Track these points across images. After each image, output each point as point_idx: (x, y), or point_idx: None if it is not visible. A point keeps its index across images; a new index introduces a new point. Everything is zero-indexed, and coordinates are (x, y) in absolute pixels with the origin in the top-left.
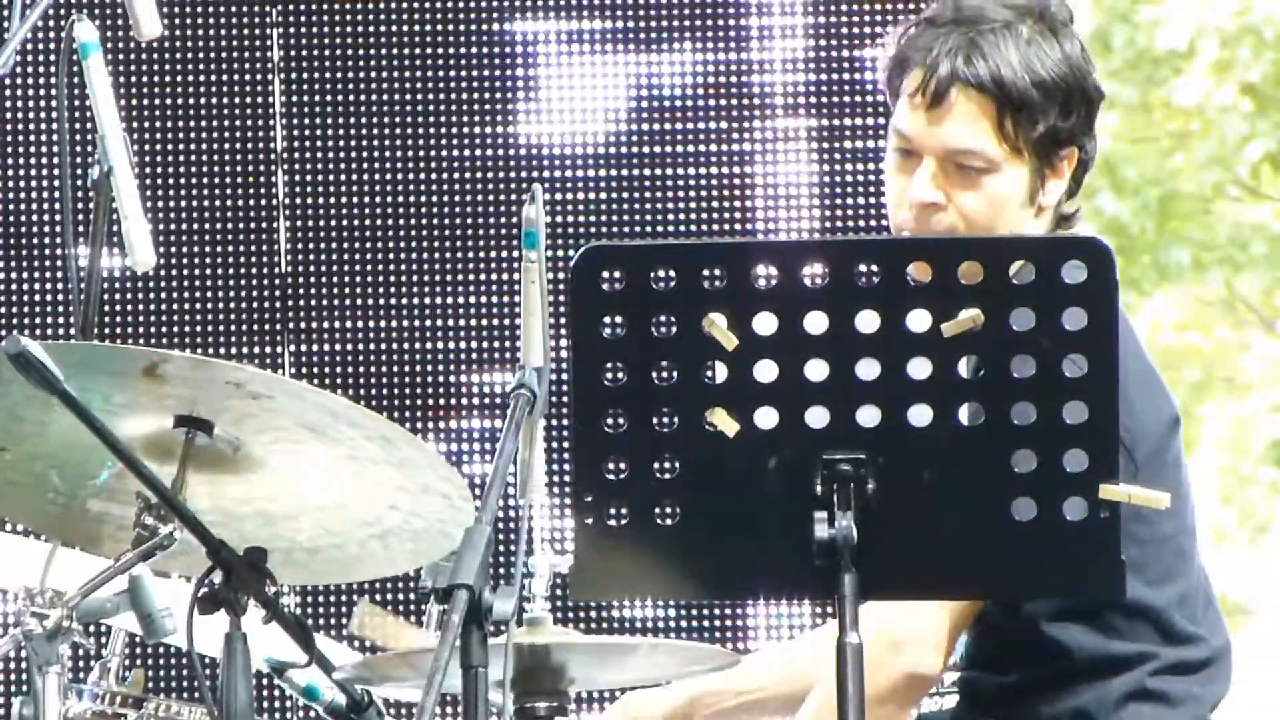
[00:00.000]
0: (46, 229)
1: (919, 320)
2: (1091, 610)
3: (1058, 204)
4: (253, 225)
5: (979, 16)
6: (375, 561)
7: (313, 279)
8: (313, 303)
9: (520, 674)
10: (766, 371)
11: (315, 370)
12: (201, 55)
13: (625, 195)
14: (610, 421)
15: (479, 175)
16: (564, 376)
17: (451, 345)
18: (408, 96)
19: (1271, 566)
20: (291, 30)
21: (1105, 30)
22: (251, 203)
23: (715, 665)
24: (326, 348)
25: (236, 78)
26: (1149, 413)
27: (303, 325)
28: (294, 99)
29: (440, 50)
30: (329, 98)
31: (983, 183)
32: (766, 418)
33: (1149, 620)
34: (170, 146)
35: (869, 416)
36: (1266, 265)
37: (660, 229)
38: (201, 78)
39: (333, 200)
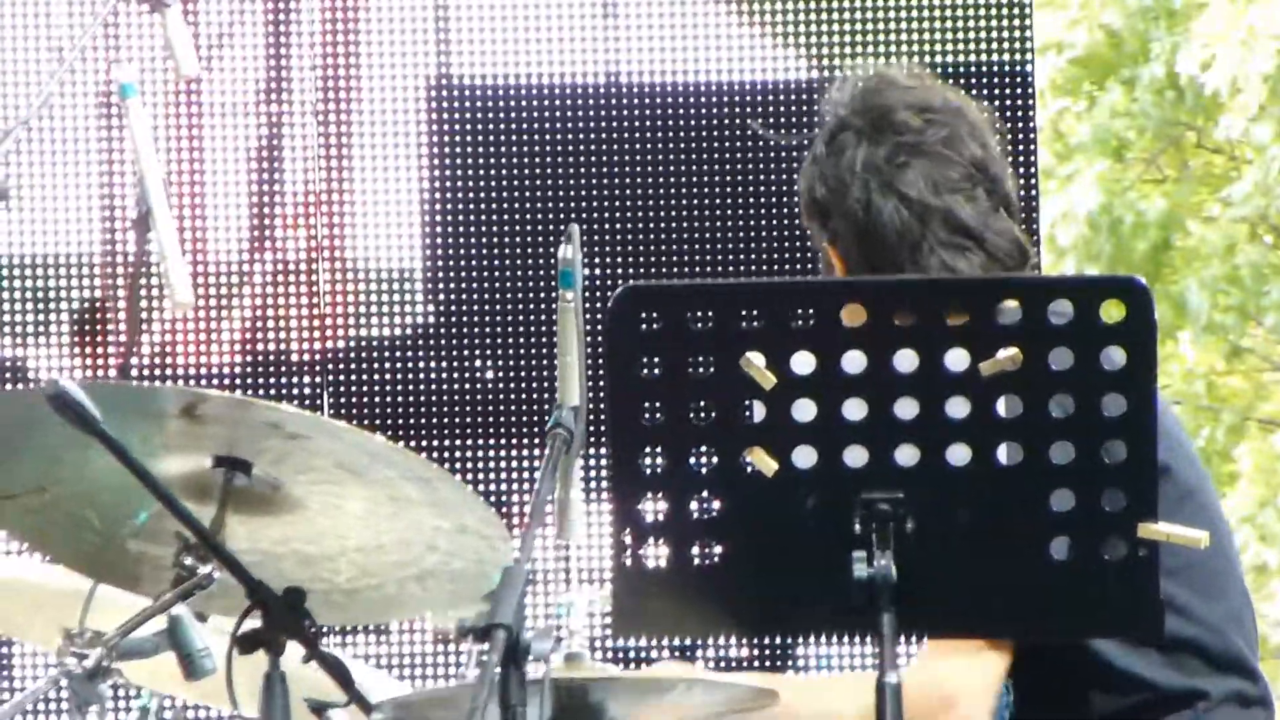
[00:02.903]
0: (85, 269)
1: (957, 360)
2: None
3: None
4: (292, 265)
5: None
6: (413, 602)
7: (352, 319)
8: (352, 342)
9: (558, 712)
10: (805, 411)
11: (354, 410)
12: (241, 94)
13: (665, 234)
14: (648, 461)
15: (516, 215)
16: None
17: (490, 383)
18: (446, 136)
19: None
20: (326, 71)
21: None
22: (292, 244)
23: (754, 702)
24: (365, 387)
25: (275, 118)
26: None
27: (341, 365)
28: (331, 139)
29: (479, 93)
30: (364, 138)
31: None
32: (805, 457)
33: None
34: (208, 186)
35: (907, 456)
36: None
37: (707, 268)
38: (240, 118)
39: (372, 240)
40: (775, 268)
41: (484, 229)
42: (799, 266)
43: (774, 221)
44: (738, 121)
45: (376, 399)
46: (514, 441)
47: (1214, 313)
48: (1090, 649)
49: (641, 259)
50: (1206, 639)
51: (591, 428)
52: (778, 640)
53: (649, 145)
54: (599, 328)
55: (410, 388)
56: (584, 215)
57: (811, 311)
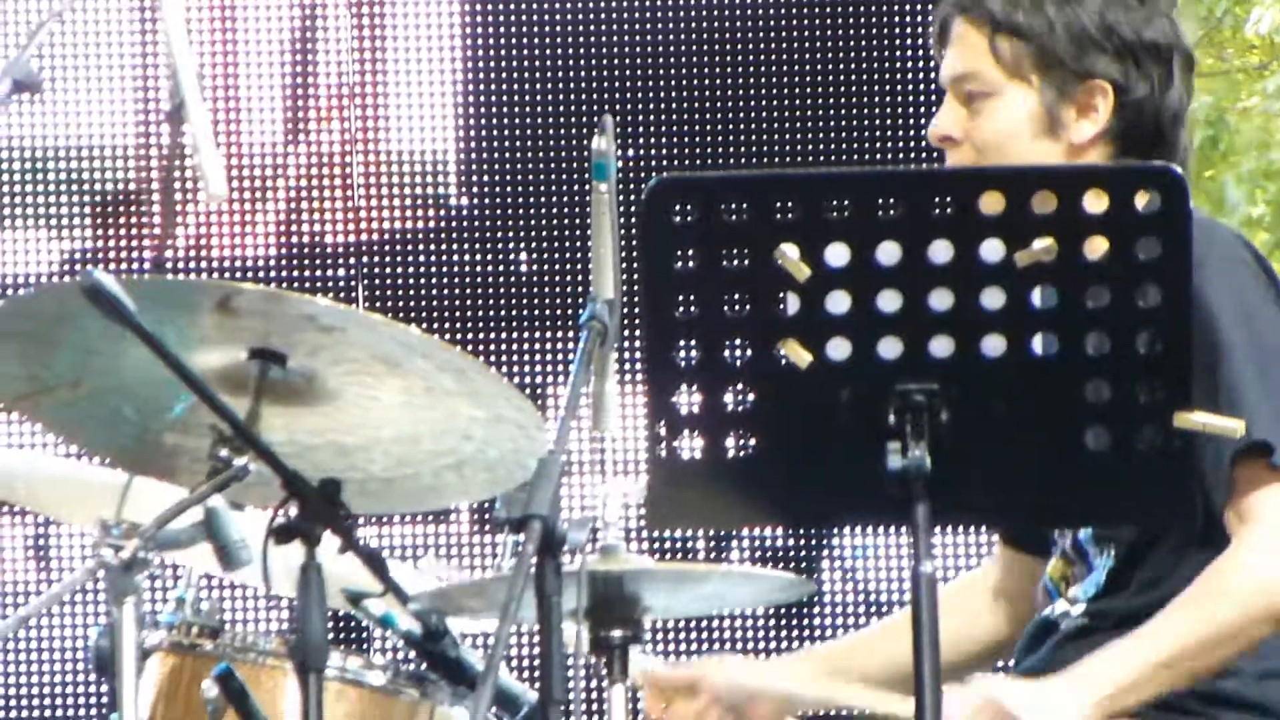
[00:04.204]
0: (119, 161)
1: (992, 250)
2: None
3: (1116, 155)
4: (326, 157)
5: None
6: (450, 491)
7: (386, 210)
8: (386, 234)
9: (594, 603)
10: (839, 302)
11: (389, 301)
12: None
13: (700, 123)
14: (682, 353)
15: (550, 104)
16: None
17: (525, 274)
18: (480, 26)
19: None
20: None
21: None
22: (326, 135)
23: (790, 594)
24: (400, 279)
25: (309, 8)
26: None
27: (376, 256)
28: (365, 29)
29: None
30: (398, 28)
31: (987, 108)
32: (839, 349)
33: None
34: (242, 77)
35: (942, 347)
36: None
37: (739, 159)
38: (274, 8)
39: (406, 131)
40: (811, 159)
41: (518, 119)
42: (835, 158)
43: (810, 112)
44: (774, 10)
45: (411, 290)
46: (549, 333)
47: (1250, 207)
48: None
49: (676, 149)
50: None
51: (626, 320)
52: (812, 531)
53: (684, 34)
54: (633, 219)
55: (445, 279)
56: (618, 105)
57: (847, 203)
